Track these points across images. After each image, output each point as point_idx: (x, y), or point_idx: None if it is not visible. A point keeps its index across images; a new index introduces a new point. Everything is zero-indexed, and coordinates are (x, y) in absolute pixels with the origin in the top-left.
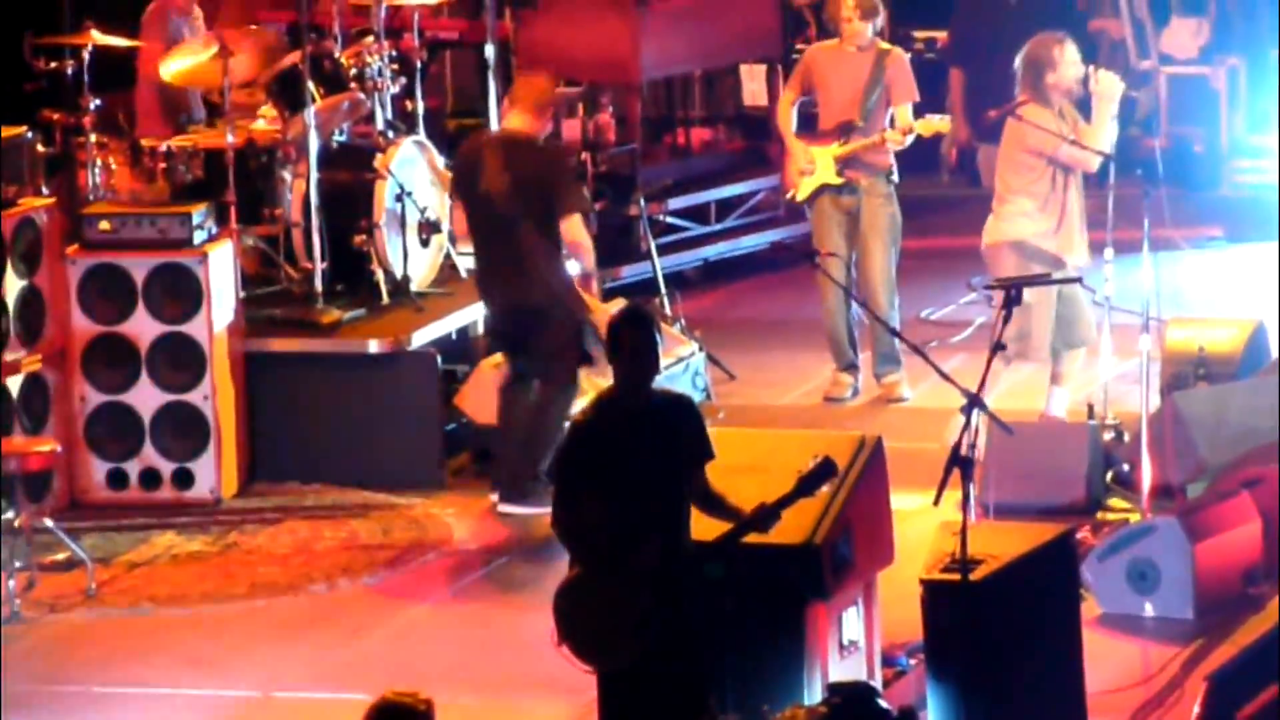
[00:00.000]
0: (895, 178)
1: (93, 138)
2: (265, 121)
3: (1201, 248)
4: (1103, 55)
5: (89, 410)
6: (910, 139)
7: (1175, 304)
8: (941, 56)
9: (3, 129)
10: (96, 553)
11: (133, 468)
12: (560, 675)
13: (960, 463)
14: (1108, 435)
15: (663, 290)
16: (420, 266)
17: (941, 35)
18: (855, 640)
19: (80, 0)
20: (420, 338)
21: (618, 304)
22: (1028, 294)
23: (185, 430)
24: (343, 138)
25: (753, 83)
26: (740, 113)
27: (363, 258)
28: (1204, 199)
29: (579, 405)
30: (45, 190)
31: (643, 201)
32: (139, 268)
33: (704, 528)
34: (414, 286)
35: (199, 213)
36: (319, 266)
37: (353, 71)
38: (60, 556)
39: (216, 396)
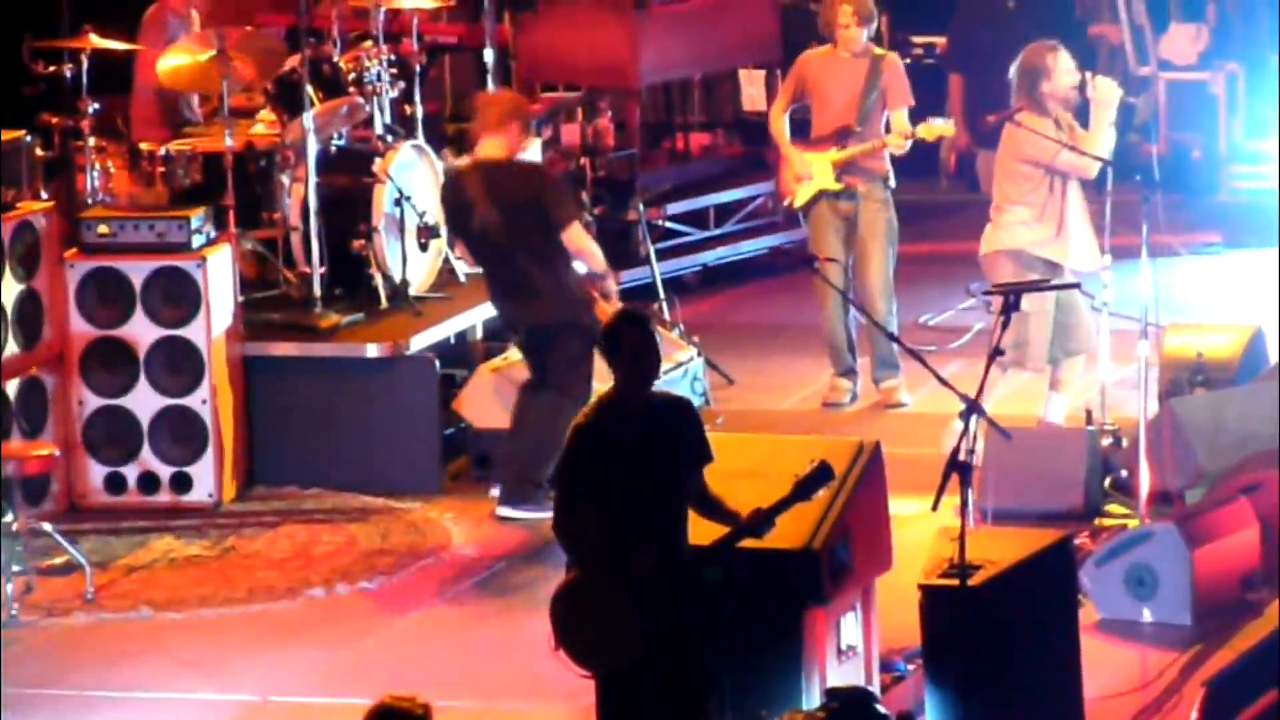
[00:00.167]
0: (892, 183)
1: (91, 141)
2: (264, 125)
3: (1200, 253)
4: (1101, 61)
5: (87, 414)
6: (909, 144)
7: (1173, 310)
8: (941, 62)
9: (1, 132)
10: (94, 557)
11: (131, 472)
12: (558, 679)
13: (959, 468)
14: (1106, 441)
15: (661, 295)
16: (419, 271)
17: (941, 40)
18: (853, 645)
19: (79, 4)
20: (419, 342)
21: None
22: (1025, 302)
23: (183, 434)
24: (341, 142)
25: (751, 88)
26: (739, 118)
27: (361, 262)
28: (1202, 205)
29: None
30: (44, 194)
31: (641, 206)
32: (137, 271)
33: (701, 532)
34: (412, 291)
35: (197, 216)
36: (317, 270)
37: (351, 75)
38: (58, 560)
39: (215, 400)
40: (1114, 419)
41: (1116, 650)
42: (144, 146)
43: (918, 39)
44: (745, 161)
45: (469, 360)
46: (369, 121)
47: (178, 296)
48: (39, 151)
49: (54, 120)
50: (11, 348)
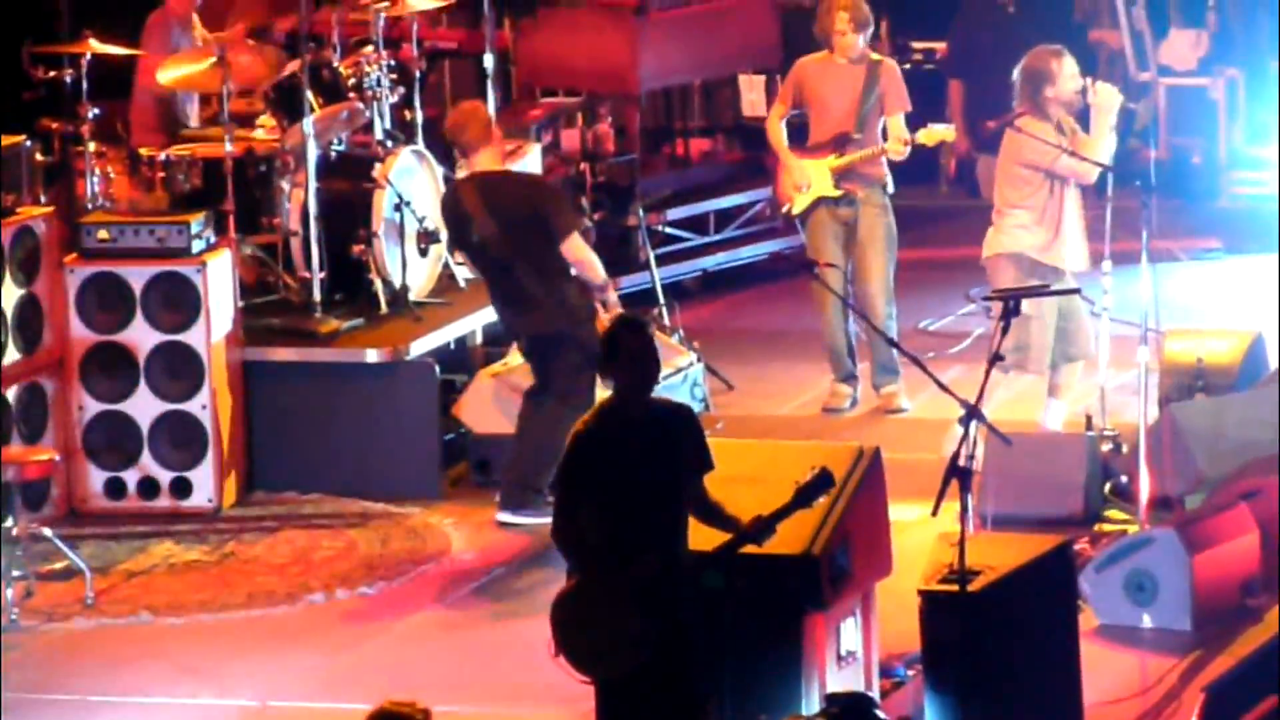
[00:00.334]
0: (891, 188)
1: (91, 147)
2: (264, 131)
3: (1200, 259)
4: (1101, 67)
5: (87, 419)
6: (909, 150)
7: (1174, 315)
8: (941, 67)
9: (1, 137)
10: (94, 562)
11: (131, 477)
12: (558, 685)
13: (958, 474)
14: (1106, 446)
15: (661, 301)
16: (419, 276)
17: (940, 46)
18: (853, 651)
19: (79, 9)
20: (418, 347)
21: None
22: (1027, 306)
23: (183, 439)
24: (341, 147)
25: (751, 93)
26: (739, 123)
27: (361, 267)
28: (1202, 210)
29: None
30: (44, 199)
31: (641, 212)
32: (137, 277)
33: (701, 538)
34: (412, 296)
35: (197, 222)
36: (317, 276)
37: (351, 81)
38: (58, 565)
39: (215, 405)
40: (1114, 424)
41: (1116, 656)
42: (144, 152)
43: (918, 44)
44: (745, 167)
45: (469, 365)
46: (369, 127)
47: (178, 301)
48: (39, 157)
49: (54, 125)
50: (12, 353)
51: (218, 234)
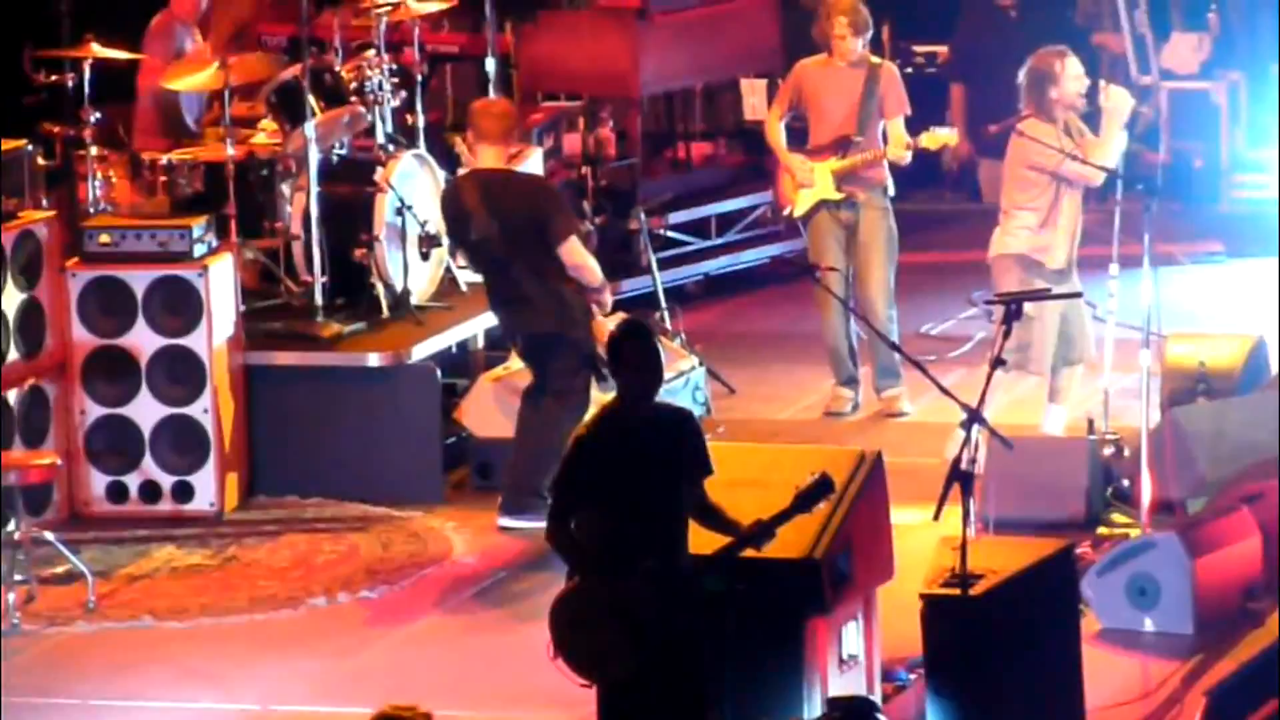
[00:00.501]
0: (891, 191)
1: (93, 150)
2: (265, 135)
3: (1202, 263)
4: (1103, 70)
5: (89, 423)
6: (910, 153)
7: (1175, 319)
8: (942, 71)
9: (3, 142)
10: (96, 566)
11: (132, 481)
12: (558, 689)
13: (960, 478)
14: (1107, 450)
15: (663, 304)
16: (420, 280)
17: (942, 50)
18: (855, 655)
19: (80, 13)
20: (420, 351)
21: (618, 318)
22: (1031, 306)
23: (185, 443)
24: (343, 151)
25: (753, 97)
26: (741, 127)
27: (363, 271)
28: (1204, 214)
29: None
30: (45, 203)
31: (643, 216)
32: (139, 281)
33: (701, 542)
34: (414, 300)
35: (199, 226)
36: (319, 280)
37: (353, 85)
38: (60, 569)
39: (216, 409)
40: (1116, 428)
41: (1118, 660)
42: (146, 156)
43: (919, 48)
44: (747, 171)
45: (470, 370)
46: (370, 131)
47: (179, 306)
48: (40, 161)
49: (55, 129)
50: (13, 357)
51: (219, 238)
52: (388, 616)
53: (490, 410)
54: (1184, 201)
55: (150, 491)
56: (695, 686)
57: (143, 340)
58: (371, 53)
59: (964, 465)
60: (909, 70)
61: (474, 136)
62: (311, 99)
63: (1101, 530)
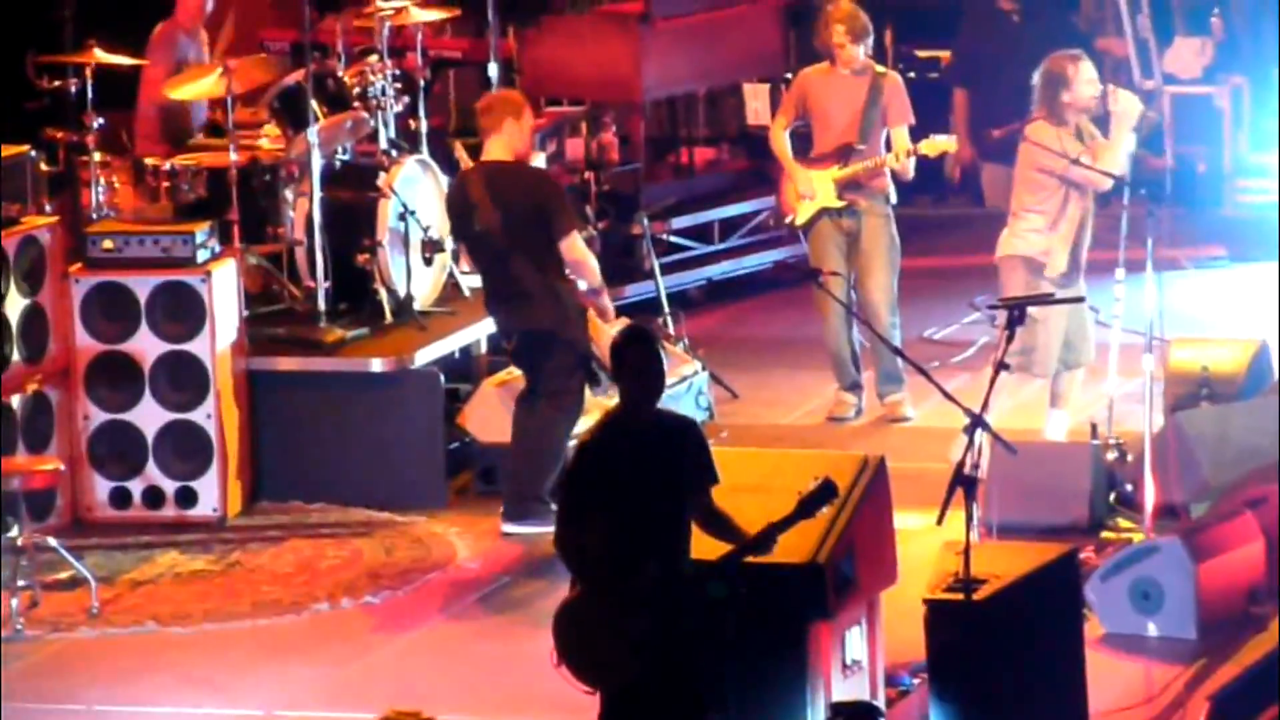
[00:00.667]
0: (893, 199)
1: (96, 156)
2: (268, 140)
3: (1205, 267)
4: (1106, 75)
5: (92, 429)
6: (912, 162)
7: (1178, 324)
8: (945, 76)
9: (5, 147)
10: (99, 571)
11: (136, 486)
12: (561, 695)
13: (963, 482)
14: (1111, 455)
15: (666, 309)
16: (423, 285)
17: (945, 55)
18: (858, 660)
19: (83, 19)
20: (423, 356)
21: (620, 324)
22: (1036, 309)
23: (188, 449)
24: (346, 156)
25: (756, 101)
26: (743, 132)
27: (366, 276)
28: (1207, 218)
29: (585, 425)
30: (48, 209)
31: (646, 220)
32: (142, 286)
33: (705, 547)
34: (417, 305)
35: (202, 231)
36: (322, 285)
37: (356, 90)
38: (63, 575)
39: (219, 415)
40: (1119, 433)
41: (1121, 664)
42: (148, 161)
43: (922, 53)
44: (750, 176)
45: (473, 375)
46: (373, 136)
47: (182, 311)
48: (43, 166)
49: (58, 135)
50: (16, 362)
51: (222, 243)
52: (391, 622)
53: (493, 415)
54: (1187, 206)
55: (153, 497)
56: (698, 692)
57: (146, 346)
58: (374, 58)
59: (967, 470)
60: (911, 75)
61: (481, 135)
62: (314, 104)
63: (1105, 535)
